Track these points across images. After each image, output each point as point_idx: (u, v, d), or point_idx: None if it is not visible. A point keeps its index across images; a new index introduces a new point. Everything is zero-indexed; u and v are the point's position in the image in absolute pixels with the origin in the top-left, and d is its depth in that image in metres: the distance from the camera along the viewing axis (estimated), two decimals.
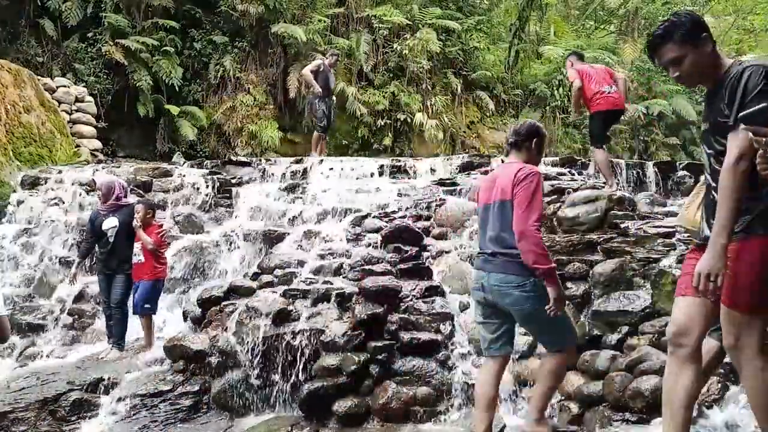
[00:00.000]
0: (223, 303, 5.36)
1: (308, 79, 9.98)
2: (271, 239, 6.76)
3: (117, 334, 5.75)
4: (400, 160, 9.11)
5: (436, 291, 5.27)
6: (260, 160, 9.10)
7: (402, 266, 5.60)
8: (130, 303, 5.82)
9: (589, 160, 8.54)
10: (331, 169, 8.57)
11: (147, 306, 5.68)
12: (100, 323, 6.22)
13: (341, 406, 4.47)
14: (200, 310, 5.46)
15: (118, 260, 5.80)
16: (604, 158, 6.96)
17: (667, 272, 4.49)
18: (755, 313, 2.43)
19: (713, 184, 2.56)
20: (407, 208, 7.10)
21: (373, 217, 6.70)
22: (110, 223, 5.84)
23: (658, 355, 4.02)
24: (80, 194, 7.92)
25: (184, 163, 9.56)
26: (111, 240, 5.80)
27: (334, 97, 10.59)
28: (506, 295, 3.37)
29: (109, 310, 5.83)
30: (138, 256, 5.74)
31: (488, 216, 3.53)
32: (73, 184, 8.08)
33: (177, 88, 12.52)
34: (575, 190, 6.35)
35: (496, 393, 3.58)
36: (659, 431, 3.72)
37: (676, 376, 2.61)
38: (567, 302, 4.83)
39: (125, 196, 6.13)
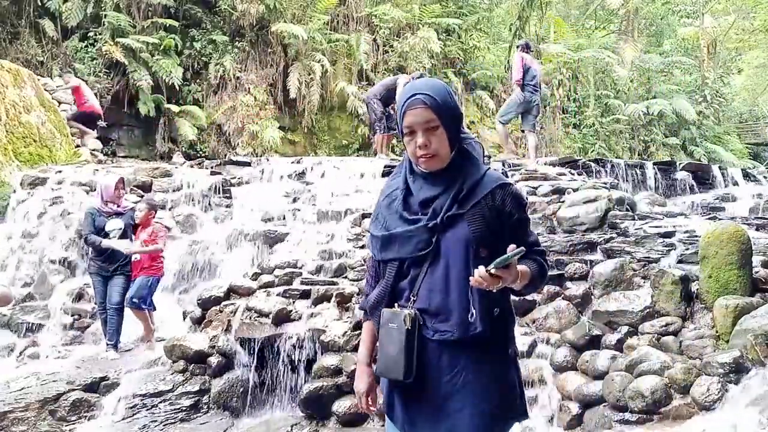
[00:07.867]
0: (223, 303, 5.37)
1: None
2: (271, 239, 6.75)
3: (112, 335, 5.69)
4: (400, 160, 9.05)
5: None
6: (260, 160, 9.09)
7: None
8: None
9: (590, 160, 8.57)
10: (333, 168, 8.56)
11: (135, 300, 5.66)
12: (100, 324, 6.21)
13: (341, 406, 4.47)
14: (200, 310, 5.45)
15: (117, 263, 5.74)
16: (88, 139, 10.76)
17: (667, 272, 4.49)
18: None
19: None
20: None
21: None
22: (115, 225, 5.77)
23: (658, 355, 4.01)
24: (80, 194, 7.91)
25: (184, 163, 9.54)
26: None
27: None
28: None
29: (105, 312, 5.76)
30: (135, 255, 5.74)
31: None
32: (72, 184, 8.07)
33: (177, 88, 12.51)
34: (575, 190, 6.36)
35: None
36: (658, 431, 3.75)
37: None
38: (568, 302, 4.85)
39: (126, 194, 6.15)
